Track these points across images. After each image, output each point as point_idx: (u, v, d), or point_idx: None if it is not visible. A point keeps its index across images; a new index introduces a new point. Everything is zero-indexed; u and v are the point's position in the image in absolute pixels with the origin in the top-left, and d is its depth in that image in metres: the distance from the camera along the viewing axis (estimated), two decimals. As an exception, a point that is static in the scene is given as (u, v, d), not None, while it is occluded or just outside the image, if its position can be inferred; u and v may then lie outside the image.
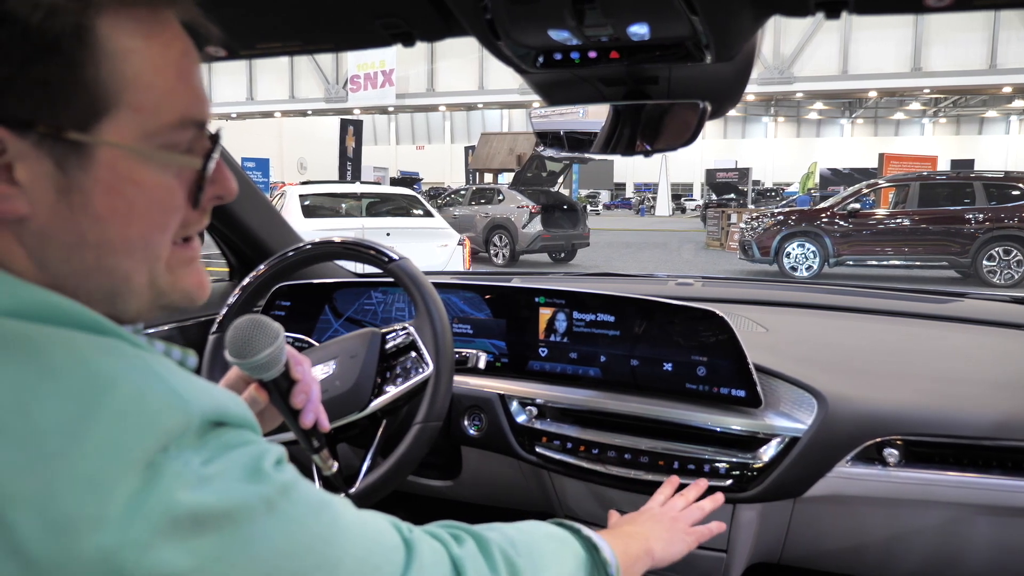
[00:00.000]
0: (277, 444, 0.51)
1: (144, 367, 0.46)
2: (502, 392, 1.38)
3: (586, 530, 0.81)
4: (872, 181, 12.45)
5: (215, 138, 0.55)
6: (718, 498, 1.08)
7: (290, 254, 1.30)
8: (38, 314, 0.46)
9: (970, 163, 26.47)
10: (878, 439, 1.16)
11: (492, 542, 0.66)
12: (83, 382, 0.43)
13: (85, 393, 0.43)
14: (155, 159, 0.50)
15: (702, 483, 1.10)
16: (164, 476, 0.42)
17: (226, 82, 31.13)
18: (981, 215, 10.49)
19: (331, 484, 1.05)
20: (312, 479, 1.14)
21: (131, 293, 0.52)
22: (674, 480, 1.11)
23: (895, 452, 1.15)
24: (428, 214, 9.23)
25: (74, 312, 0.48)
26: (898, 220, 11.00)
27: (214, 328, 1.28)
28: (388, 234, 7.66)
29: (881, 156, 21.27)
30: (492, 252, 13.14)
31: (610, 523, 1.01)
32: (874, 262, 11.24)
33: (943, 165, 23.28)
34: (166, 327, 1.57)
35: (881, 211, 11.37)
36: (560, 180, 15.41)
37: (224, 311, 1.29)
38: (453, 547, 0.61)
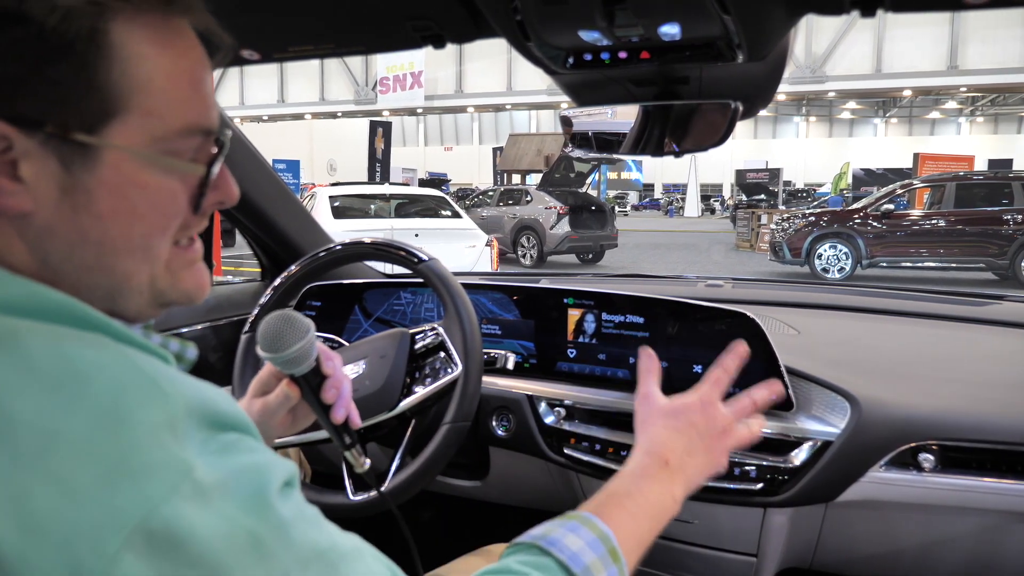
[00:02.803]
0: (286, 460, 0.49)
1: (124, 361, 0.45)
2: (530, 393, 1.38)
3: (560, 552, 0.63)
4: (906, 181, 12.26)
5: (220, 144, 0.55)
6: (776, 387, 0.86)
7: (321, 255, 1.31)
8: (24, 308, 0.46)
9: (1008, 163, 25.89)
10: (913, 444, 1.14)
11: None
12: (60, 377, 0.42)
13: (61, 389, 0.42)
14: (160, 164, 0.50)
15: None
16: (148, 480, 0.40)
17: (257, 85, 31.56)
18: (1020, 216, 10.26)
19: (363, 481, 1.06)
20: (343, 476, 1.15)
21: (131, 291, 0.52)
22: (730, 365, 0.86)
23: (930, 457, 1.13)
24: (456, 215, 9.27)
25: (61, 305, 0.47)
26: (933, 221, 10.81)
27: (246, 328, 1.30)
28: (416, 235, 7.71)
29: (916, 156, 20.88)
30: (520, 253, 13.14)
31: (639, 432, 0.82)
32: (908, 264, 11.05)
33: (980, 165, 22.82)
34: (199, 327, 1.59)
35: (916, 212, 11.18)
36: (588, 181, 15.38)
37: (256, 311, 1.30)
38: None
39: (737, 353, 0.87)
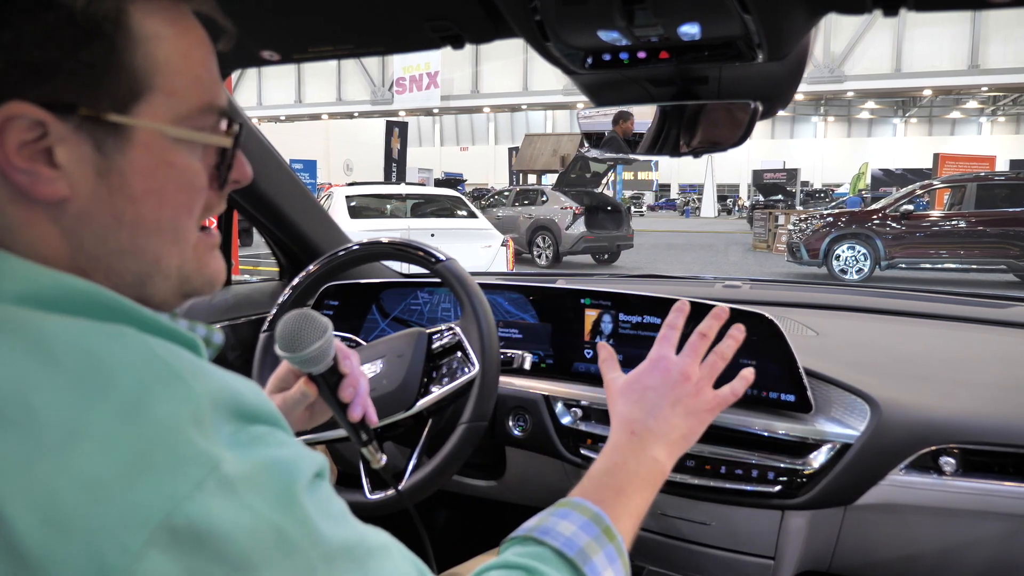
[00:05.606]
0: (315, 453, 0.49)
1: (148, 355, 0.45)
2: (547, 393, 1.38)
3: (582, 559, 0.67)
4: (926, 182, 12.14)
5: (232, 122, 0.56)
6: (741, 330, 0.87)
7: (340, 254, 1.32)
8: (50, 301, 0.46)
9: (1030, 163, 25.57)
10: (933, 447, 1.13)
11: None
12: (83, 372, 0.42)
13: (85, 384, 0.42)
14: (187, 140, 0.52)
15: (722, 310, 0.87)
16: (172, 476, 0.40)
17: (275, 85, 31.77)
18: (1042, 217, 10.14)
19: (380, 480, 1.07)
20: (360, 473, 1.16)
21: (160, 275, 0.53)
22: (684, 306, 0.89)
23: (951, 461, 1.12)
24: (472, 215, 9.30)
25: (88, 296, 0.48)
26: (953, 222, 10.70)
27: (265, 326, 1.31)
28: (432, 235, 7.74)
29: (936, 156, 20.70)
30: (535, 253, 13.14)
31: (612, 409, 0.86)
32: (928, 265, 10.94)
33: (1002, 165, 22.57)
34: (218, 325, 1.60)
35: (935, 213, 11.08)
36: (603, 181, 15.36)
37: (275, 310, 1.31)
38: None
39: (719, 318, 0.87)
